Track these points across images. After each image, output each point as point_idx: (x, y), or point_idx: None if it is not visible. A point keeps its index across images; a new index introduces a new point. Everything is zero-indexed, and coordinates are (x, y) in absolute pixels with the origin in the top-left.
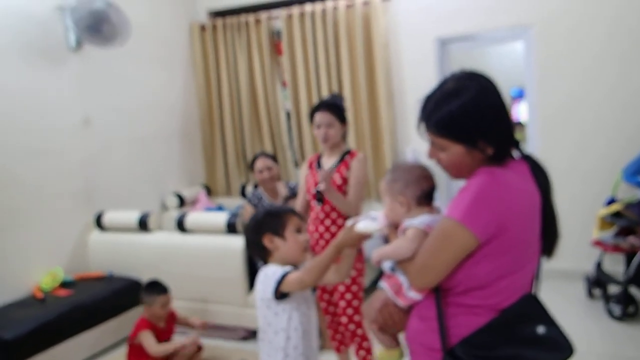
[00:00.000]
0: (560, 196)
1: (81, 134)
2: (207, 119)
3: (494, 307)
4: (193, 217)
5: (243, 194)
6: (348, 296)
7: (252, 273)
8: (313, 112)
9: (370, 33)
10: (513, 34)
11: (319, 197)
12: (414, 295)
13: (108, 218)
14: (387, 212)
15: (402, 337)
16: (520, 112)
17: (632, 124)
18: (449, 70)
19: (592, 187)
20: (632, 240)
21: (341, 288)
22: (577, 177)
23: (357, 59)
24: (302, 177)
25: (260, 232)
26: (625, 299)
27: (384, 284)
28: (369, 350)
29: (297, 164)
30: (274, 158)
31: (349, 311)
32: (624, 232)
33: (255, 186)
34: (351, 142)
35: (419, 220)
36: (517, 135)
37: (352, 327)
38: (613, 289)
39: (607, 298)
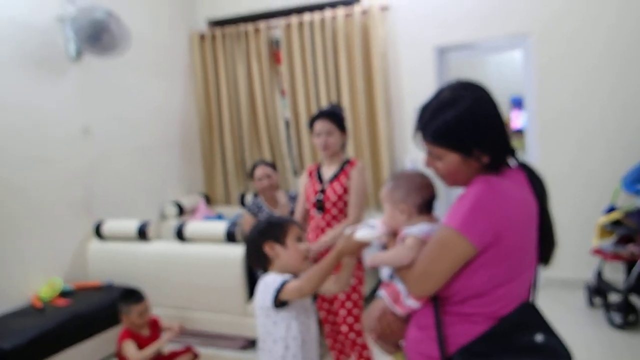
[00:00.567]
0: (559, 204)
1: (81, 143)
2: (206, 127)
3: (492, 315)
4: (192, 226)
5: (242, 202)
6: (348, 304)
7: (251, 282)
8: (313, 120)
9: (368, 42)
10: (511, 43)
11: (319, 205)
12: (412, 303)
13: (107, 227)
14: (387, 219)
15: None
16: (519, 120)
17: (631, 131)
18: (448, 79)
19: (591, 195)
20: (632, 248)
21: (341, 296)
22: (576, 185)
23: (355, 67)
24: (301, 186)
25: (262, 239)
26: (625, 307)
27: (382, 292)
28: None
29: (296, 173)
30: (273, 166)
31: (350, 320)
32: (623, 241)
33: (256, 195)
34: (350, 151)
35: (418, 228)
36: (517, 143)
37: (352, 335)
38: (613, 298)
39: (607, 307)
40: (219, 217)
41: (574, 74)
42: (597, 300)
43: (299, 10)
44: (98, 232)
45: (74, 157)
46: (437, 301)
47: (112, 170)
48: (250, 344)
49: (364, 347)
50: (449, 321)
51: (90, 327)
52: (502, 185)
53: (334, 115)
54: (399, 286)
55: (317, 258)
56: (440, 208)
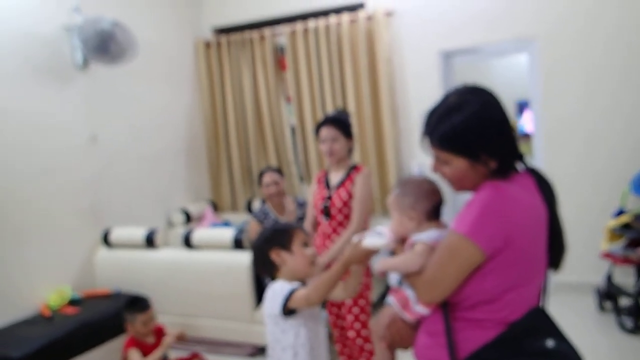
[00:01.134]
0: (567, 208)
1: (88, 151)
2: (212, 134)
3: (502, 321)
4: (199, 234)
5: (249, 209)
6: (355, 310)
7: (259, 289)
8: (318, 127)
9: (373, 47)
10: (517, 47)
11: (327, 212)
12: (421, 309)
13: (115, 235)
14: (396, 226)
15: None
16: (526, 123)
17: (638, 133)
18: (453, 84)
19: (600, 198)
20: None
21: (349, 302)
22: (583, 189)
23: (361, 73)
24: (310, 193)
25: (268, 246)
26: (636, 311)
27: (391, 298)
28: None
29: (302, 179)
30: (280, 172)
31: (357, 325)
32: (633, 244)
33: (263, 201)
34: (356, 157)
35: (426, 235)
36: (524, 147)
37: (359, 341)
38: (624, 302)
39: (618, 311)
40: (226, 224)
41: (579, 77)
42: (608, 304)
43: (304, 17)
44: (106, 240)
45: (82, 165)
46: (446, 307)
47: (119, 178)
48: (259, 351)
49: (372, 353)
50: (458, 327)
51: (99, 335)
52: (510, 191)
53: (339, 122)
54: (408, 292)
55: (326, 267)
56: (447, 213)
